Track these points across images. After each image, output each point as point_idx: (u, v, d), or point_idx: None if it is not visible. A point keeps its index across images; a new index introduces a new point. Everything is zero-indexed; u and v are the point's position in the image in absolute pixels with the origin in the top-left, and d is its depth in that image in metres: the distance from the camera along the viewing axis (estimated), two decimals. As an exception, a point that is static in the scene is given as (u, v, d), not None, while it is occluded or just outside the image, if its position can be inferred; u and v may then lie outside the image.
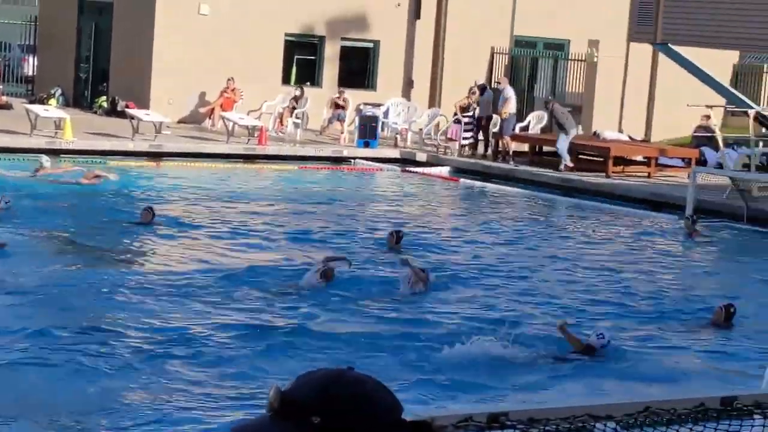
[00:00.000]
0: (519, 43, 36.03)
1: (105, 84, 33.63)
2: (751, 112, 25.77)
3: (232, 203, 21.87)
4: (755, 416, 3.35)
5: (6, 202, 18.67)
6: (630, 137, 32.02)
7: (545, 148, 29.50)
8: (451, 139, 30.40)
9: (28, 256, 15.66)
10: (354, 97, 31.91)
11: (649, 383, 11.29)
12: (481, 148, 30.20)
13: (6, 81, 37.19)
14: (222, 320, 12.99)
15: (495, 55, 35.53)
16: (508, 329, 12.79)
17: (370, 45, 34.44)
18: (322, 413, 2.54)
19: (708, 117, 28.73)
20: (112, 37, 33.27)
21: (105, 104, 32.77)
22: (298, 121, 30.86)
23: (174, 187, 23.66)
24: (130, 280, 14.79)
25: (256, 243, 18.02)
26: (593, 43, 33.20)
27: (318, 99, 31.64)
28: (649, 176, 28.00)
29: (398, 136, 31.20)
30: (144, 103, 30.96)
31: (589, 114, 33.31)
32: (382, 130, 31.16)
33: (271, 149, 28.77)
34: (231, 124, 29.18)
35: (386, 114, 31.85)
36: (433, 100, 33.63)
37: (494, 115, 29.74)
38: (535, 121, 32.03)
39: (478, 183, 27.21)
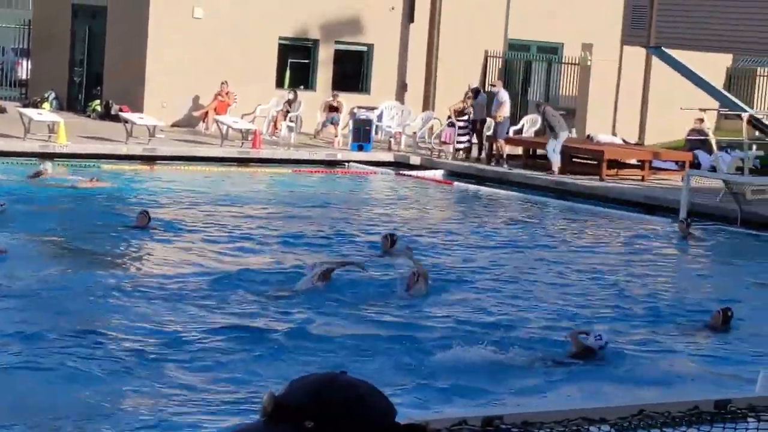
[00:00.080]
0: (513, 46, 36.05)
1: (99, 88, 33.60)
2: (745, 116, 25.83)
3: (226, 207, 21.86)
4: (749, 419, 3.36)
5: (1, 206, 18.66)
6: (624, 140, 32.01)
7: (539, 152, 29.49)
8: (444, 143, 30.40)
9: (23, 260, 15.62)
10: (348, 100, 31.92)
11: (643, 386, 11.28)
12: (475, 152, 30.20)
13: (-1, 85, 37.22)
14: (217, 324, 12.97)
15: (489, 58, 35.55)
16: (502, 332, 12.79)
17: (364, 48, 34.45)
18: (315, 418, 2.55)
19: (701, 120, 28.78)
20: (106, 41, 33.24)
21: (99, 108, 32.74)
22: (292, 124, 30.85)
23: (168, 190, 23.64)
24: (125, 283, 14.76)
25: (251, 246, 18.01)
26: (587, 47, 33.21)
27: (312, 102, 31.65)
28: (642, 179, 27.99)
29: (392, 140, 31.20)
30: (138, 107, 30.94)
31: (583, 117, 33.32)
32: (376, 133, 31.16)
33: (265, 153, 28.78)
34: (225, 127, 29.18)
35: (380, 117, 31.86)
36: (427, 103, 33.64)
37: (488, 119, 29.74)
38: (529, 124, 32.06)
39: (472, 186, 27.21)
